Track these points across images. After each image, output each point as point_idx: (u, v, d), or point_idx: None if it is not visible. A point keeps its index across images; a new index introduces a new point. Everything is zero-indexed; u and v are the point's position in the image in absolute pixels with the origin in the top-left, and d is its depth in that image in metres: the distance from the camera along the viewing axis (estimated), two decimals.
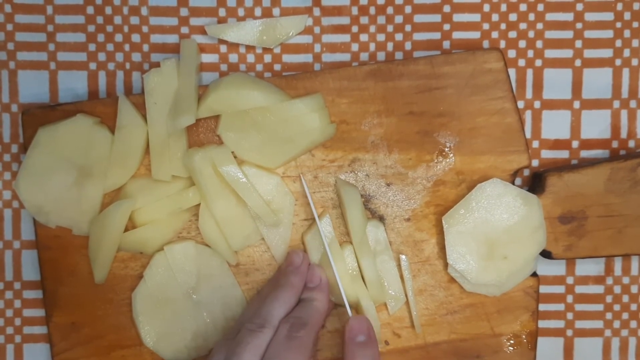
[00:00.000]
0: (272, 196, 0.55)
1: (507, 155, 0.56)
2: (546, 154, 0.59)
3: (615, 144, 0.59)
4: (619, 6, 0.58)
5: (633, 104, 0.58)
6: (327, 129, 0.55)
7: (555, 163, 0.59)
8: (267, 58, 0.58)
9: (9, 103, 0.58)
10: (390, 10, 0.58)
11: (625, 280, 0.59)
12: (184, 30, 0.58)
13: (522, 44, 0.58)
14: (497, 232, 0.55)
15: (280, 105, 0.54)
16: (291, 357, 0.47)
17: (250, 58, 0.58)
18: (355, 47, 0.58)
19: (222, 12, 0.58)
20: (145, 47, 0.58)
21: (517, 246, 0.55)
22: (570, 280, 0.59)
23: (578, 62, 0.58)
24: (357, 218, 0.54)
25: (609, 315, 0.59)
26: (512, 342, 0.57)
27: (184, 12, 0.58)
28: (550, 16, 0.58)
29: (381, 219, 0.56)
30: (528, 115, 0.58)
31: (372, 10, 0.58)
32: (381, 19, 0.58)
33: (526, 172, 0.59)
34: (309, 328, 0.49)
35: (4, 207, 0.58)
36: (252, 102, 0.54)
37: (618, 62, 0.58)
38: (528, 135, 0.58)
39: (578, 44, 0.58)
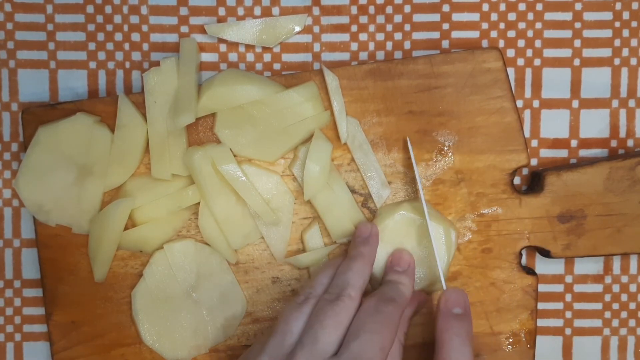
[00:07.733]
0: (271, 195, 0.55)
1: (506, 154, 0.56)
2: (545, 153, 0.59)
3: (614, 143, 0.59)
4: (618, 6, 0.58)
5: (632, 103, 0.58)
6: (322, 117, 0.55)
7: (554, 162, 0.59)
8: (267, 57, 0.58)
9: (9, 102, 0.58)
10: (389, 9, 0.58)
11: (624, 279, 0.59)
12: (184, 29, 0.58)
13: (521, 43, 0.58)
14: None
15: (274, 96, 0.54)
16: (378, 329, 0.46)
17: (250, 57, 0.58)
18: (354, 46, 0.58)
19: (221, 11, 0.58)
20: (145, 46, 0.58)
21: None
22: (569, 279, 0.59)
23: (577, 62, 0.58)
24: (315, 172, 0.54)
25: (607, 314, 0.59)
26: (511, 340, 0.57)
27: (183, 11, 0.58)
28: (549, 15, 0.58)
29: None
30: (527, 115, 0.59)
31: (371, 9, 0.58)
32: (380, 19, 0.58)
33: (525, 171, 0.59)
34: (396, 305, 0.48)
35: (3, 205, 0.58)
36: (246, 96, 0.54)
37: (617, 61, 0.58)
38: (527, 134, 0.59)
39: (577, 43, 0.58)
